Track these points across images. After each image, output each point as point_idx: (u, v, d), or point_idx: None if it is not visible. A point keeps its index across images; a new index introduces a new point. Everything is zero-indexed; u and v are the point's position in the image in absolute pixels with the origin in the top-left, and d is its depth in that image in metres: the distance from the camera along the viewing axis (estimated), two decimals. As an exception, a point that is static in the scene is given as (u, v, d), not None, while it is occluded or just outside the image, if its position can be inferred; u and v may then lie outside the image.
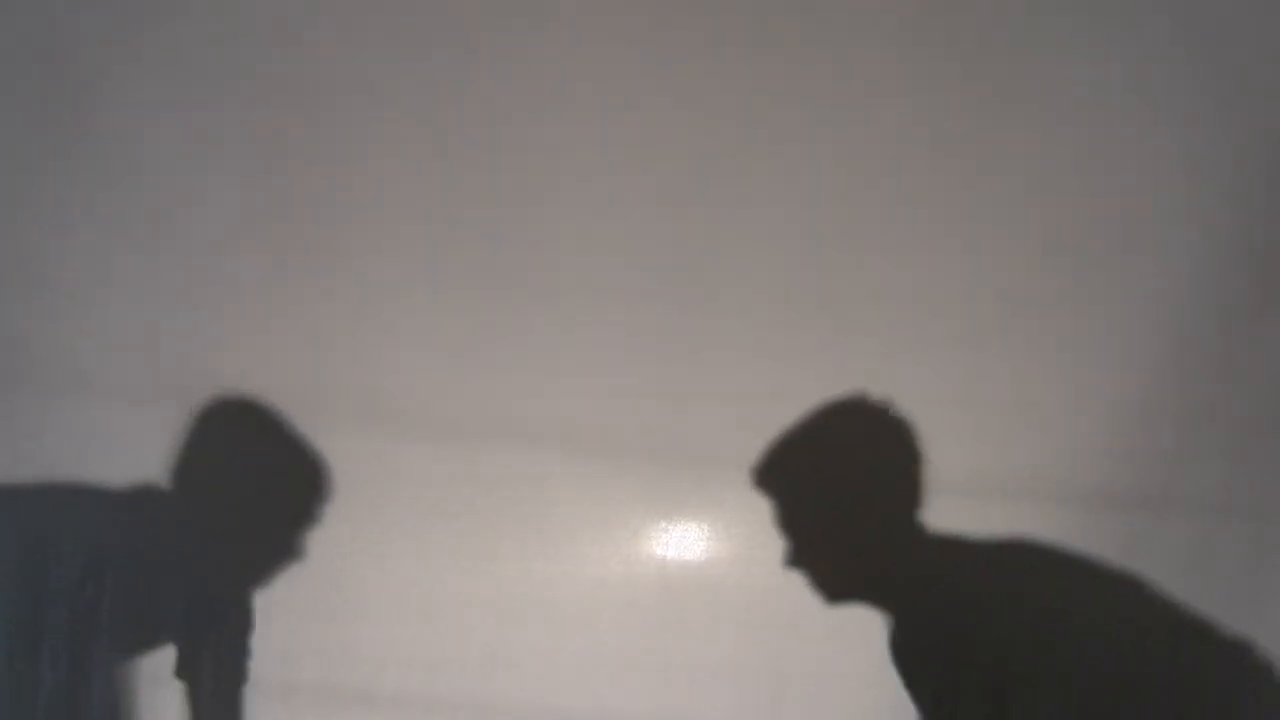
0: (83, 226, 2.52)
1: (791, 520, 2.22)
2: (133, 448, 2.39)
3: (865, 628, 2.43)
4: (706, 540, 2.51)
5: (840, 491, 2.19)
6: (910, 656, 2.14)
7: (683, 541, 2.52)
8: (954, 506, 2.20)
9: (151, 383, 2.48)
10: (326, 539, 2.45)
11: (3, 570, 2.26)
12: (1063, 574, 2.14)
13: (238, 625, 2.29)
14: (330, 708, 2.48)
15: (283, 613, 2.41)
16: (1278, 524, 2.41)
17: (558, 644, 2.51)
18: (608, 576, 2.51)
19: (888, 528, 2.20)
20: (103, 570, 2.24)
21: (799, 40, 2.45)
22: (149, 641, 2.30)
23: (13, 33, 2.51)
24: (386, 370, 2.50)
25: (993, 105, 2.41)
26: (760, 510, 2.49)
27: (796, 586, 2.47)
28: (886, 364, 2.37)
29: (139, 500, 2.29)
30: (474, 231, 2.51)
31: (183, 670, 2.27)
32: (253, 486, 2.31)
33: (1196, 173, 2.39)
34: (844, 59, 2.44)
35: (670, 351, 2.49)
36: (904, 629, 2.15)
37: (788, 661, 2.49)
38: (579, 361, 2.50)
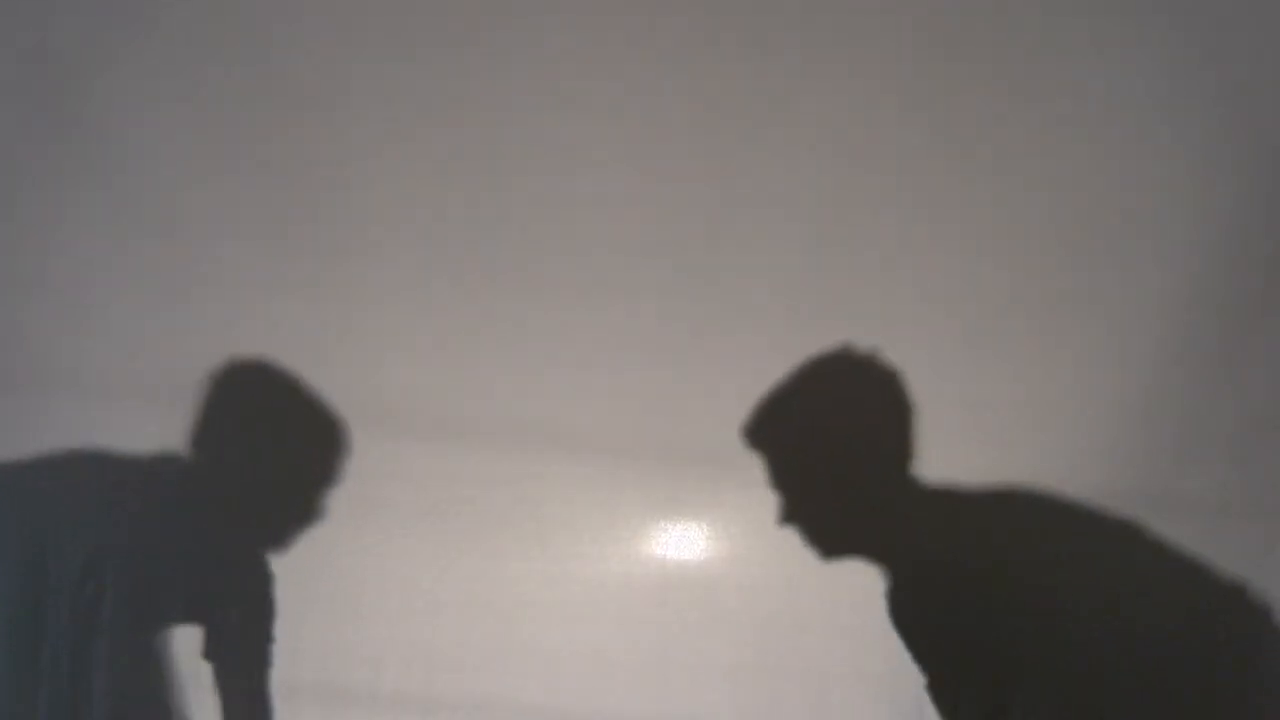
0: (82, 227, 2.52)
1: (784, 477, 2.19)
2: (133, 447, 2.39)
3: (865, 628, 2.44)
4: (706, 540, 2.52)
5: (831, 445, 2.15)
6: (907, 611, 2.11)
7: (683, 541, 2.52)
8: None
9: (152, 383, 2.48)
10: (326, 539, 2.45)
11: (3, 570, 2.26)
12: (1061, 521, 2.11)
13: (259, 607, 2.29)
14: (330, 708, 2.48)
15: (283, 612, 2.41)
16: (1278, 524, 2.41)
17: (558, 644, 2.52)
18: (608, 576, 2.52)
19: (881, 480, 2.16)
20: (103, 569, 2.24)
21: (800, 41, 2.45)
22: (150, 639, 2.30)
23: (11, 33, 2.51)
24: (386, 370, 2.50)
25: (994, 106, 2.41)
26: (760, 510, 2.49)
27: (796, 586, 2.48)
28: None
29: (141, 496, 2.29)
30: (474, 232, 2.51)
31: (210, 652, 2.27)
32: (271, 448, 2.30)
33: (1197, 174, 2.39)
34: (845, 60, 2.44)
35: (670, 351, 2.49)
36: (900, 583, 2.13)
37: (788, 661, 2.49)
38: (579, 361, 2.50)
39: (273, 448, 2.30)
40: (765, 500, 2.48)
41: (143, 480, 2.30)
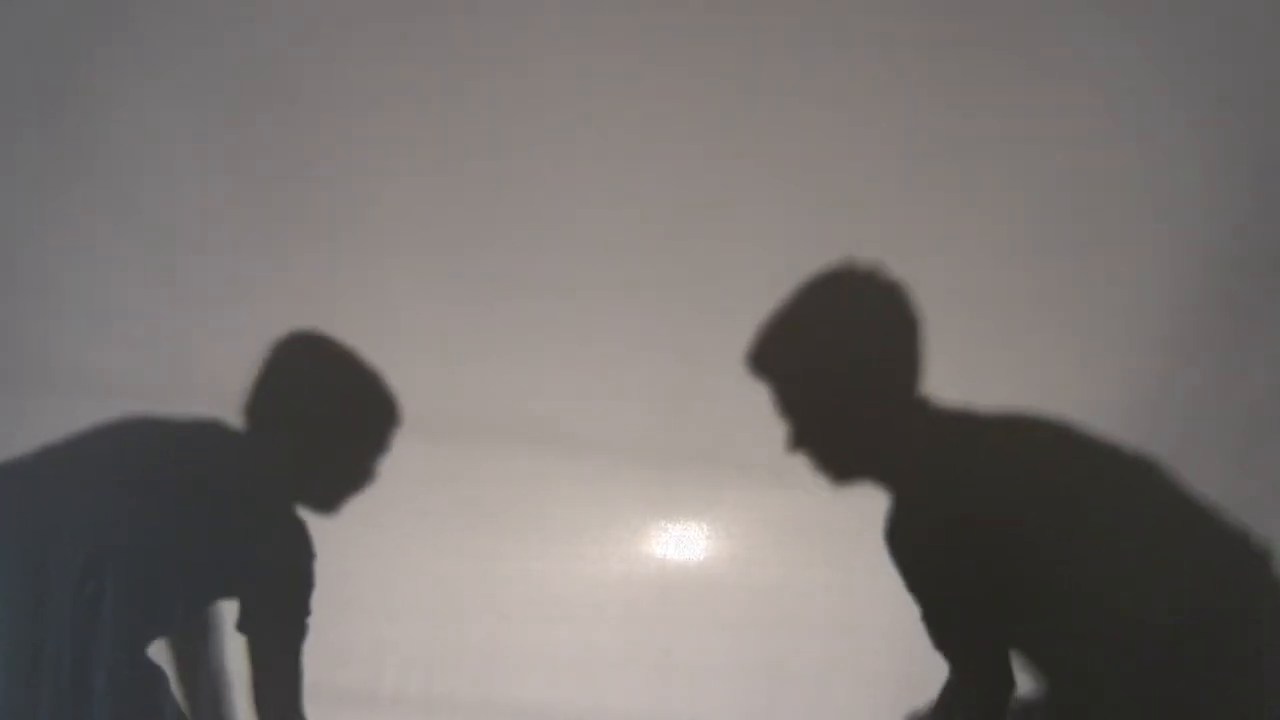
0: (84, 228, 2.52)
1: (790, 401, 2.14)
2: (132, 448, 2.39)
3: (865, 628, 2.44)
4: (706, 540, 2.51)
5: (836, 366, 2.10)
6: (909, 536, 2.06)
7: (682, 541, 2.52)
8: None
9: (154, 383, 2.48)
10: (327, 539, 2.45)
11: (3, 569, 2.26)
12: (1073, 452, 2.07)
13: (298, 580, 2.31)
14: (330, 708, 2.48)
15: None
16: (1278, 523, 2.41)
17: (557, 643, 2.52)
18: (608, 576, 2.52)
19: (888, 400, 2.11)
20: (103, 569, 2.24)
21: (800, 41, 2.45)
22: (151, 638, 2.30)
23: (11, 33, 2.51)
24: (386, 370, 2.50)
25: (994, 106, 2.41)
26: (760, 510, 2.50)
27: (797, 586, 2.48)
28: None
29: (141, 496, 2.29)
30: (474, 232, 2.51)
31: (244, 624, 2.30)
32: (325, 416, 2.35)
33: (1198, 174, 2.39)
34: (846, 59, 2.44)
35: (670, 351, 2.49)
36: (904, 506, 2.08)
37: (788, 661, 2.49)
38: (579, 361, 2.50)
39: (327, 415, 2.35)
40: (765, 500, 2.48)
41: (143, 480, 2.31)
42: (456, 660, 2.53)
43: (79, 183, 2.51)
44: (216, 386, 2.38)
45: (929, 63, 2.41)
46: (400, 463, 2.50)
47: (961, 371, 2.44)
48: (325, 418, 2.35)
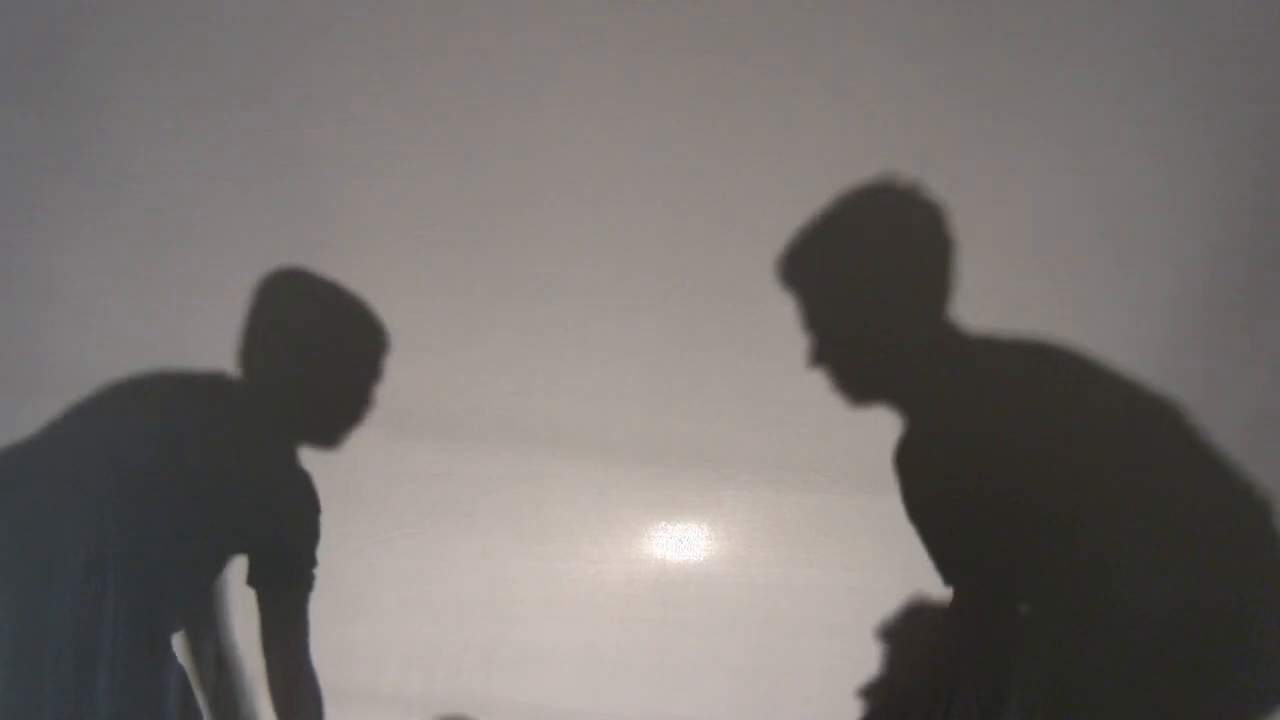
0: (83, 229, 2.52)
1: (815, 315, 2.09)
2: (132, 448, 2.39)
3: (865, 628, 2.44)
4: (706, 540, 2.51)
5: (866, 282, 2.06)
6: (920, 462, 2.02)
7: (682, 541, 2.52)
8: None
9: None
10: (327, 539, 2.45)
11: (6, 570, 2.26)
12: (1095, 385, 2.02)
13: (305, 531, 2.39)
14: (331, 707, 2.48)
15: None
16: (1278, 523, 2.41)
17: (557, 643, 2.52)
18: (608, 576, 2.52)
19: (915, 320, 2.06)
20: (105, 568, 2.24)
21: (801, 41, 2.44)
22: (153, 638, 2.31)
23: (11, 33, 2.51)
24: (387, 370, 2.50)
25: (993, 106, 2.41)
26: (760, 510, 2.50)
27: (796, 586, 2.48)
28: (886, 363, 2.36)
29: (142, 496, 2.30)
30: (474, 232, 2.51)
31: (254, 578, 2.37)
32: (316, 351, 2.42)
33: (1198, 174, 2.38)
34: (846, 59, 2.44)
35: (670, 351, 2.49)
36: (919, 432, 2.03)
37: (788, 661, 2.49)
38: (579, 361, 2.50)
39: (318, 352, 2.42)
40: (765, 500, 2.48)
41: (144, 479, 2.31)
42: (456, 660, 2.53)
43: (79, 183, 2.51)
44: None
45: (928, 62, 2.41)
46: (400, 463, 2.50)
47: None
48: (316, 352, 2.42)
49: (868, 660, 2.42)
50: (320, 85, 2.48)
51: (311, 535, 2.39)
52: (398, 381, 2.49)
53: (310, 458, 2.46)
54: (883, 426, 2.30)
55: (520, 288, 2.50)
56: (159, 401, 2.38)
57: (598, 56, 2.46)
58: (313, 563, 2.40)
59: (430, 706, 2.53)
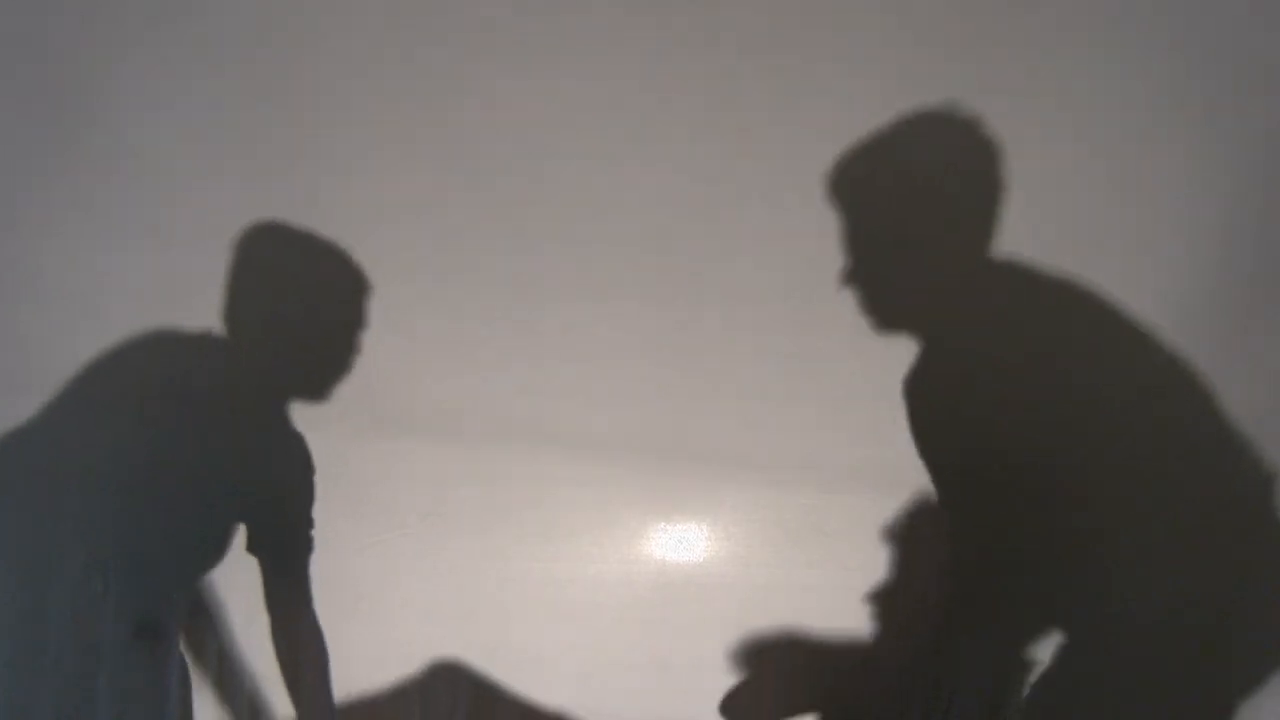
0: (82, 228, 2.52)
1: (855, 231, 2.06)
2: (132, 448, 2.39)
3: (865, 627, 2.44)
4: (706, 540, 2.51)
5: (911, 206, 2.02)
6: (933, 390, 1.99)
7: (683, 541, 2.52)
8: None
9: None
10: (327, 539, 2.45)
11: (5, 570, 2.26)
12: (1119, 334, 1.99)
13: (300, 495, 2.39)
14: (330, 707, 2.48)
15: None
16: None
17: (558, 644, 2.51)
18: (608, 576, 2.52)
19: (953, 252, 2.02)
20: (104, 568, 2.24)
21: (802, 40, 2.44)
22: (153, 638, 2.31)
23: (10, 33, 2.51)
24: (386, 370, 2.50)
25: (993, 105, 2.41)
26: (760, 510, 2.50)
27: (797, 586, 2.48)
28: (886, 363, 2.37)
29: (141, 495, 2.30)
30: (474, 231, 2.51)
31: (254, 545, 2.38)
32: (298, 302, 2.41)
33: (1197, 174, 2.39)
34: (844, 59, 2.44)
35: (670, 351, 2.49)
36: (936, 359, 1.99)
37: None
38: (580, 361, 2.50)
39: (299, 302, 2.42)
40: (765, 500, 2.49)
41: (144, 479, 2.31)
42: (456, 660, 2.53)
43: (79, 182, 2.51)
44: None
45: (927, 61, 2.41)
46: (402, 463, 2.50)
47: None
48: (297, 302, 2.41)
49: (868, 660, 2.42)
50: (322, 82, 2.48)
51: (307, 495, 2.39)
52: (398, 381, 2.49)
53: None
54: (884, 427, 2.30)
55: (520, 288, 2.50)
56: (147, 372, 2.36)
57: (598, 56, 2.46)
58: (310, 524, 2.39)
59: (430, 706, 2.53)
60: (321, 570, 2.44)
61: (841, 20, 2.44)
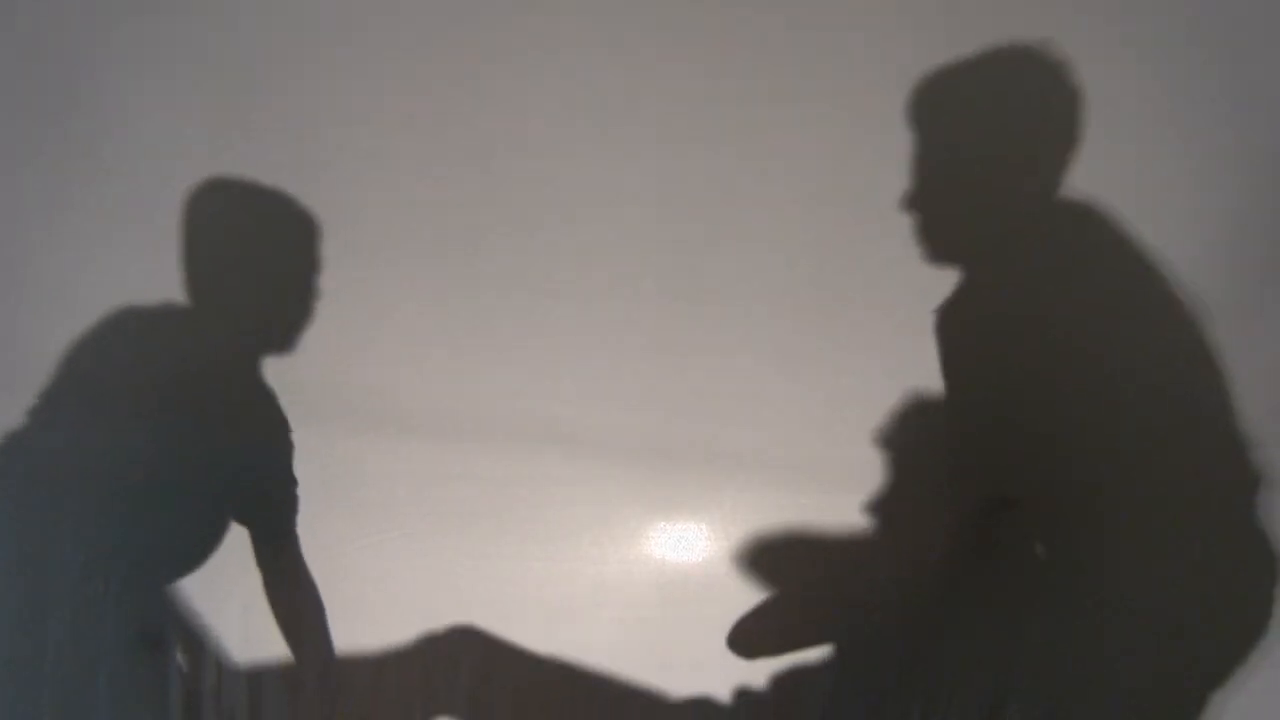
0: (80, 227, 2.52)
1: (924, 157, 2.05)
2: (132, 448, 2.39)
3: (864, 627, 2.44)
4: (706, 540, 2.51)
5: (985, 140, 2.02)
6: (965, 320, 1.99)
7: (682, 541, 2.52)
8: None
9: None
10: (326, 539, 2.45)
11: (4, 570, 2.26)
12: (1158, 287, 1.99)
13: (278, 454, 2.42)
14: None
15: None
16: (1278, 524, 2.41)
17: (558, 644, 2.51)
18: (607, 576, 2.52)
19: (1019, 192, 2.02)
20: (104, 568, 2.24)
21: (802, 40, 2.44)
22: (153, 638, 2.31)
23: (10, 31, 2.51)
24: (387, 370, 2.50)
25: (994, 105, 2.40)
26: (760, 510, 2.50)
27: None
28: (887, 363, 2.37)
29: (141, 495, 2.30)
30: (474, 232, 2.51)
31: (241, 514, 2.40)
32: (252, 254, 2.42)
33: (1197, 174, 2.38)
34: (845, 59, 2.44)
35: (671, 351, 2.49)
36: (972, 290, 1.98)
37: (787, 661, 2.49)
38: (579, 361, 2.50)
39: (255, 254, 2.43)
40: (765, 500, 2.48)
41: (143, 478, 2.31)
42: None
43: (81, 185, 2.51)
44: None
45: (927, 63, 2.41)
46: (400, 463, 2.50)
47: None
48: (254, 255, 2.43)
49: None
50: (321, 82, 2.48)
51: (286, 451, 2.42)
52: (398, 381, 2.49)
53: (310, 458, 2.46)
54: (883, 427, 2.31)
55: (520, 288, 2.50)
56: (120, 355, 2.39)
57: (599, 56, 2.46)
58: (293, 481, 2.42)
59: (430, 706, 2.53)
60: (321, 570, 2.45)
61: (840, 20, 2.43)
